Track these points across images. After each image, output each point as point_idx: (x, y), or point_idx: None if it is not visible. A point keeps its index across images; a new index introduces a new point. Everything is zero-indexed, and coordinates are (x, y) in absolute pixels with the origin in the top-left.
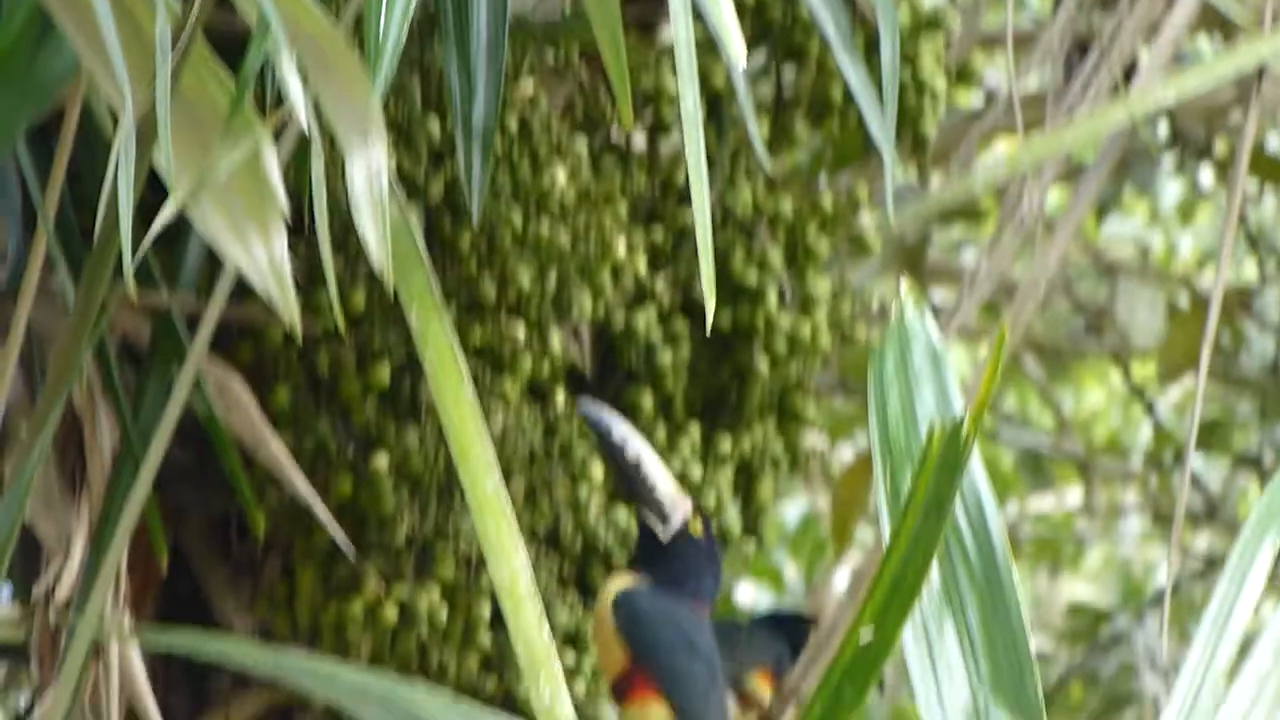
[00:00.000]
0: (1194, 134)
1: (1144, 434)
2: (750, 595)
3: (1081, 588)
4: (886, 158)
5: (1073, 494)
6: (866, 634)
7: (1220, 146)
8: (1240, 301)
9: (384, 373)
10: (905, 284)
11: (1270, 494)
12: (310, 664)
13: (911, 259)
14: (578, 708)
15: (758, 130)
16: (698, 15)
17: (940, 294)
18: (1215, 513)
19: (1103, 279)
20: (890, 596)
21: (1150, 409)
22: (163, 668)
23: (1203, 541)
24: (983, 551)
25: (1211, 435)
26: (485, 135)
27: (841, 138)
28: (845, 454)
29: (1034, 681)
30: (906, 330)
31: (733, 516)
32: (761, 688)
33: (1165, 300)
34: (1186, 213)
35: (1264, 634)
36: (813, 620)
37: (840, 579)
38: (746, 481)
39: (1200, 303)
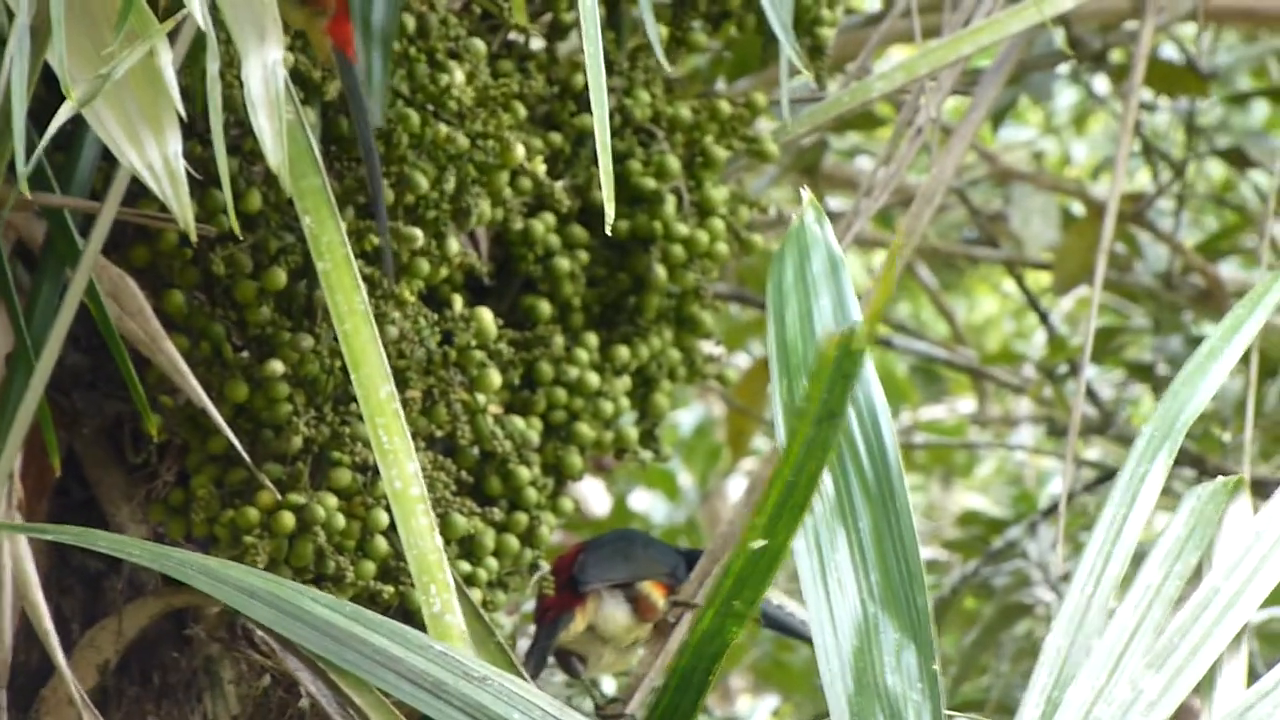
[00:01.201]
0: (1089, 42)
1: (1037, 343)
2: (644, 502)
3: (973, 497)
4: (784, 60)
5: (965, 404)
6: (759, 543)
7: (1115, 55)
8: (1134, 211)
9: (279, 276)
10: (806, 192)
11: (1164, 409)
12: (202, 561)
13: (807, 166)
14: (472, 616)
15: (657, 33)
16: None
17: (836, 201)
18: (1109, 423)
19: (996, 187)
20: (782, 505)
21: (1044, 319)
22: (56, 573)
23: (1094, 452)
24: (876, 462)
25: (1104, 345)
26: (385, 36)
27: (740, 46)
28: (741, 362)
29: (923, 595)
30: (806, 238)
31: (629, 426)
32: (656, 595)
33: (1059, 208)
34: (1080, 121)
35: (1154, 548)
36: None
37: (734, 487)
38: (644, 391)
39: (1095, 211)
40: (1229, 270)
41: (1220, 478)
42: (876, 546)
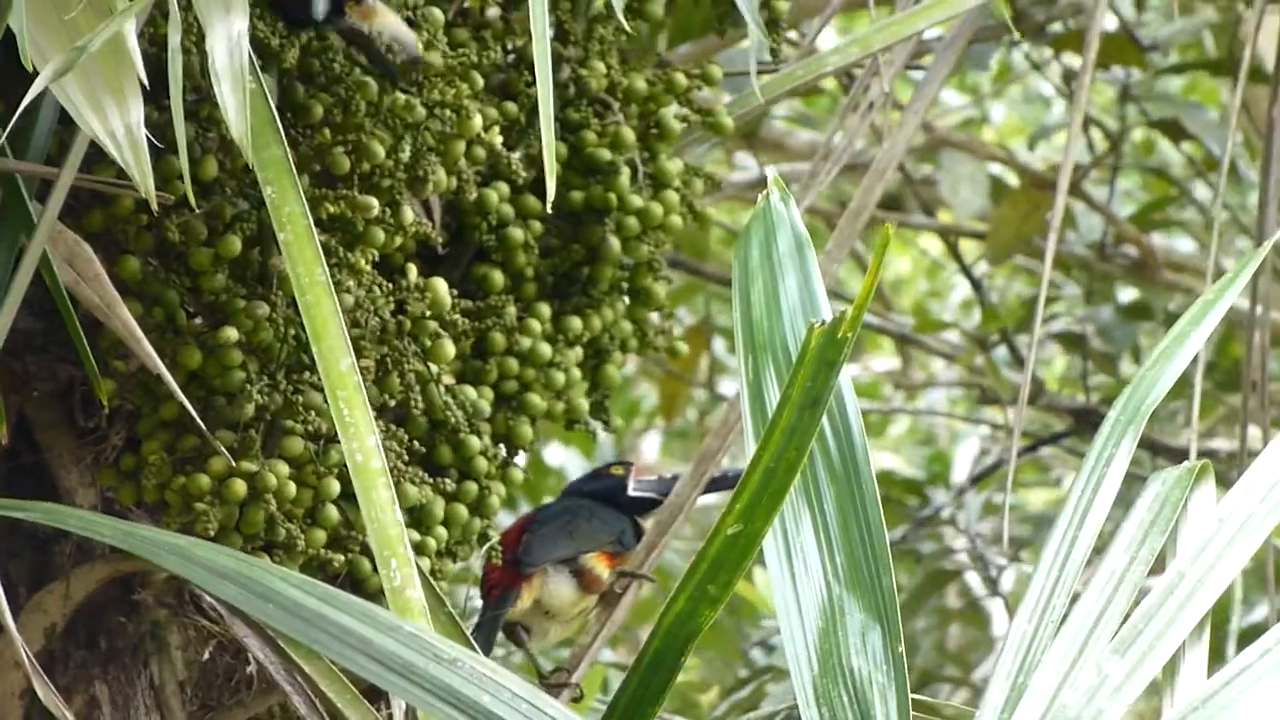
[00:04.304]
0: (1033, 15)
1: (953, 304)
2: (560, 457)
3: (886, 457)
4: (752, 34)
5: (880, 362)
6: (735, 528)
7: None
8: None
9: (234, 243)
10: (772, 171)
11: (1129, 393)
12: (171, 541)
13: (748, 132)
14: (424, 587)
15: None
16: None
17: (768, 167)
18: (1040, 393)
19: (926, 151)
20: (761, 491)
21: (978, 288)
22: (4, 537)
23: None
24: (841, 442)
25: (1032, 314)
26: None
27: (680, 11)
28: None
29: (889, 577)
30: (772, 217)
31: (580, 398)
32: (600, 568)
33: (986, 175)
34: (1000, 87)
35: (1119, 534)
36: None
37: (649, 445)
38: (595, 362)
39: (1028, 182)
40: (1161, 240)
41: (1185, 463)
42: (842, 528)
